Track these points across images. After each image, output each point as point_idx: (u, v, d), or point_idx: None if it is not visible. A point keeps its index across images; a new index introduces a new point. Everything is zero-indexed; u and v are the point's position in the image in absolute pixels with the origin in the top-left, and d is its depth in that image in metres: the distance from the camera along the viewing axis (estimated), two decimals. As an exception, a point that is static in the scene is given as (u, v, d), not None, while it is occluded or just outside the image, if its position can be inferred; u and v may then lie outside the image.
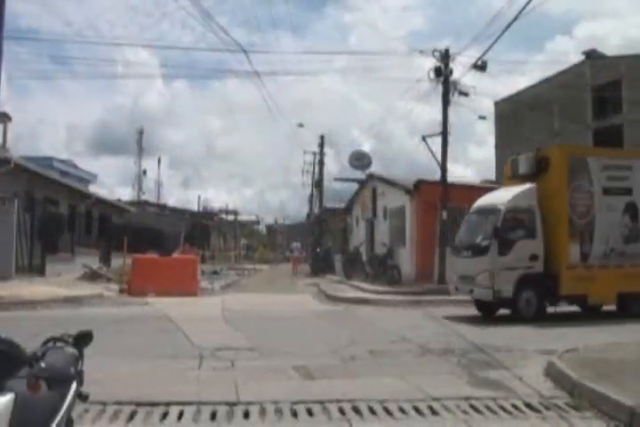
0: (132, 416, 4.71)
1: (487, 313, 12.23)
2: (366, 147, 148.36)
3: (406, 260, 19.28)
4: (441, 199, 17.93)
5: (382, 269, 19.61)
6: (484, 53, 17.41)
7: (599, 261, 11.75)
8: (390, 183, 21.72)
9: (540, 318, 11.20)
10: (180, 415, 4.73)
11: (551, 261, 11.54)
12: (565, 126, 33.85)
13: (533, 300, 11.45)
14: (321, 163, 35.47)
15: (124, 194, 63.16)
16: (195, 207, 60.34)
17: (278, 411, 4.87)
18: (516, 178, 12.66)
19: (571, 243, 11.59)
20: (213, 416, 4.72)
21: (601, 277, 11.54)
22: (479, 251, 11.68)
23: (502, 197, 12.25)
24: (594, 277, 11.53)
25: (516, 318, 11.41)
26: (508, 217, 11.64)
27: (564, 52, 78.02)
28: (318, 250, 31.66)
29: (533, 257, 11.52)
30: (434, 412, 4.90)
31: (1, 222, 16.84)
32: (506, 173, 13.50)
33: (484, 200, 12.85)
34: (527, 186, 11.99)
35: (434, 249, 18.12)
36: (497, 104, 38.23)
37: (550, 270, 11.52)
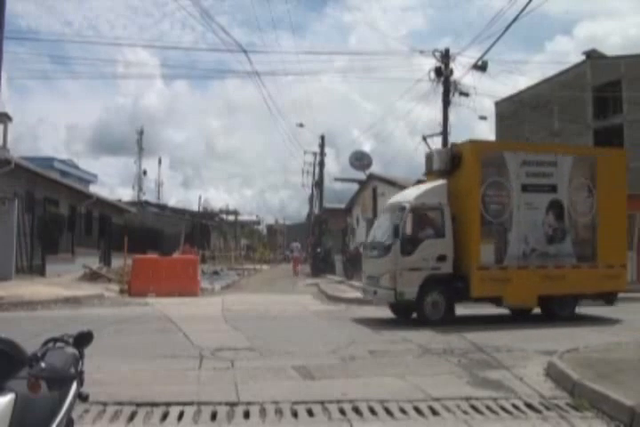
0: (132, 416, 4.71)
1: (403, 316, 11.54)
2: (366, 147, 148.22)
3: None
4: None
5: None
6: (485, 53, 17.46)
7: (517, 261, 11.02)
8: (391, 183, 21.75)
9: (447, 322, 10.57)
10: (181, 416, 4.73)
11: (461, 262, 10.91)
12: (565, 126, 33.86)
13: (441, 302, 10.79)
14: (321, 163, 35.49)
15: (125, 194, 63.38)
16: (195, 207, 60.47)
17: (278, 411, 4.87)
18: (432, 174, 12.13)
19: (483, 243, 10.90)
20: (214, 416, 4.72)
21: (518, 279, 10.87)
22: (383, 250, 11.11)
23: (411, 194, 11.75)
24: (509, 278, 10.87)
25: (514, 319, 11.41)
26: (414, 215, 11.14)
27: (565, 52, 78.12)
28: (319, 250, 31.66)
29: (441, 257, 10.87)
30: (434, 412, 4.90)
31: (1, 223, 16.85)
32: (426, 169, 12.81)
33: (395, 197, 12.39)
34: (437, 182, 11.51)
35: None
36: (497, 104, 38.23)
37: (460, 271, 10.88)
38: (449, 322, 10.55)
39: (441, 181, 11.47)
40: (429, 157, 12.12)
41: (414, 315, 11.14)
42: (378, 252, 11.42)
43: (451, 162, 11.44)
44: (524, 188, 11.21)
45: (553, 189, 11.46)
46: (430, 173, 12.28)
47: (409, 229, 11.05)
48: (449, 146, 11.76)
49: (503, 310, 11.91)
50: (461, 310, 11.55)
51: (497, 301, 11.16)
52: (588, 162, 11.91)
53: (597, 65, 33.63)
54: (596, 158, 12.00)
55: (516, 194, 11.15)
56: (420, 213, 11.22)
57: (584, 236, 11.74)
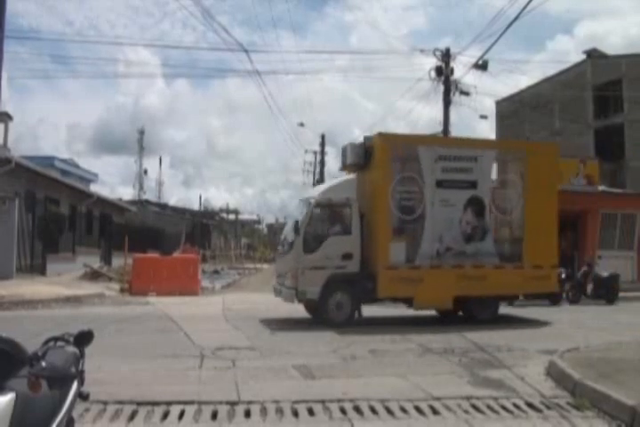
0: (132, 416, 4.71)
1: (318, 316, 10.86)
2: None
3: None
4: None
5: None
6: (485, 53, 17.49)
7: (430, 261, 10.49)
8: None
9: (353, 323, 10.23)
10: (181, 415, 4.73)
11: (369, 261, 10.46)
12: (566, 126, 33.83)
13: (346, 303, 10.32)
14: (322, 162, 35.55)
15: (125, 193, 63.32)
16: (196, 207, 60.49)
17: (279, 410, 4.86)
18: (347, 168, 11.65)
19: (393, 241, 10.40)
20: (214, 416, 4.72)
21: (431, 279, 10.34)
22: (288, 248, 10.79)
23: (320, 189, 11.34)
24: (421, 278, 10.35)
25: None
26: (319, 211, 10.74)
27: (565, 52, 78.04)
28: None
29: (347, 255, 10.40)
30: (435, 411, 4.90)
31: (2, 222, 16.85)
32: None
33: (308, 192, 12.03)
34: (346, 177, 11.11)
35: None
36: (498, 103, 38.21)
37: (368, 271, 10.42)
38: (356, 324, 10.17)
39: (350, 176, 11.06)
40: (344, 151, 11.46)
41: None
42: (284, 249, 11.16)
43: (364, 156, 10.91)
44: (440, 183, 10.65)
45: (472, 185, 10.84)
46: (345, 168, 11.78)
47: (313, 226, 10.62)
48: (362, 139, 11.19)
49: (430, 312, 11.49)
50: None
51: (409, 302, 10.74)
52: (514, 157, 11.48)
53: (598, 64, 33.59)
54: (523, 153, 11.48)
55: (430, 190, 10.60)
56: (325, 209, 10.83)
57: (509, 235, 11.32)
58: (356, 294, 10.40)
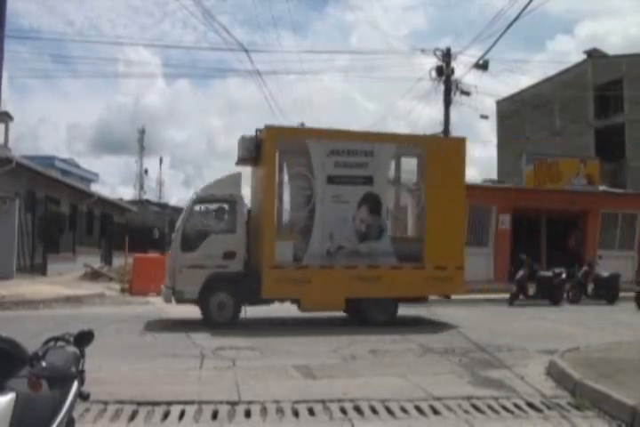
0: (133, 416, 4.71)
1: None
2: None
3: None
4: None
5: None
6: (486, 53, 17.49)
7: (319, 260, 9.96)
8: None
9: (237, 324, 9.88)
10: (182, 415, 4.72)
11: (254, 260, 10.08)
12: (567, 125, 33.83)
13: (229, 303, 9.89)
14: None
15: (126, 193, 63.35)
16: (196, 206, 60.22)
17: (280, 410, 4.87)
18: (240, 163, 11.09)
19: (279, 239, 9.96)
20: (215, 416, 4.72)
21: (320, 280, 9.84)
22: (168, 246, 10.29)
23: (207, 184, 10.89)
24: (309, 279, 9.84)
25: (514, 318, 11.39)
26: (200, 207, 10.35)
27: (566, 52, 77.85)
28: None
29: (229, 254, 9.98)
30: (435, 411, 4.90)
31: (2, 222, 16.85)
32: None
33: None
34: (232, 172, 10.66)
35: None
36: (498, 103, 38.20)
37: (253, 270, 10.03)
38: (240, 325, 9.87)
39: (236, 171, 10.69)
40: (238, 145, 10.90)
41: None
42: (171, 248, 10.70)
43: (255, 150, 10.42)
44: (332, 179, 10.10)
45: (368, 180, 10.25)
46: (239, 162, 11.18)
47: (193, 223, 10.24)
48: (255, 132, 10.61)
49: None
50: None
51: (298, 303, 10.23)
52: (414, 151, 10.98)
53: (598, 64, 33.59)
54: (425, 148, 10.86)
55: (321, 186, 10.06)
56: (207, 205, 10.40)
57: (408, 233, 10.94)
58: (240, 295, 9.95)
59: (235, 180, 10.49)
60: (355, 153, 10.25)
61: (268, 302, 10.31)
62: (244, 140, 10.60)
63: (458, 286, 10.76)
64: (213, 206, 10.44)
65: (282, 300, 10.39)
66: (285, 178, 10.31)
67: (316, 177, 10.11)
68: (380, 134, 11.43)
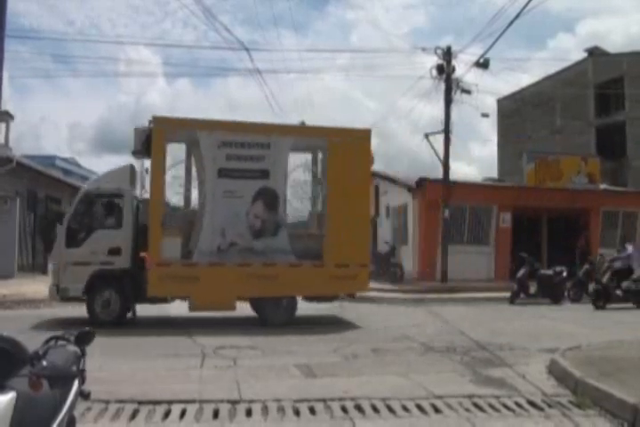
0: (134, 415, 4.71)
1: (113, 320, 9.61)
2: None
3: (409, 258, 19.28)
4: (443, 197, 17.92)
5: (385, 267, 19.60)
6: (487, 51, 17.49)
7: (209, 257, 9.58)
8: (393, 181, 21.69)
9: (124, 323, 9.60)
10: (183, 414, 4.72)
11: (140, 258, 9.71)
12: (568, 124, 33.80)
13: (115, 301, 9.54)
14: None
15: (127, 192, 62.98)
16: (197, 206, 60.26)
17: (281, 409, 4.86)
18: (135, 155, 10.51)
19: (167, 235, 9.52)
20: (216, 415, 4.72)
21: (210, 278, 9.44)
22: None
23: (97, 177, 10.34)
24: (198, 276, 9.45)
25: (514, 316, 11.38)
26: (86, 202, 9.88)
27: (567, 50, 77.69)
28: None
29: (114, 251, 9.60)
30: (437, 410, 4.89)
31: (3, 221, 16.87)
32: None
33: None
34: (122, 165, 10.23)
35: (437, 247, 18.12)
36: (499, 102, 38.17)
37: (141, 267, 9.63)
38: (130, 324, 9.63)
39: (126, 164, 10.25)
40: (133, 136, 10.37)
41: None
42: None
43: (147, 142, 9.85)
44: (223, 173, 9.71)
45: (264, 174, 9.84)
46: (134, 155, 10.55)
47: (79, 218, 9.86)
48: (148, 123, 10.02)
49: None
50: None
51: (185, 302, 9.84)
52: (314, 144, 10.57)
53: (599, 62, 33.53)
54: (326, 140, 10.32)
55: (212, 180, 9.69)
56: (93, 200, 9.92)
57: (308, 230, 10.56)
58: (127, 293, 9.61)
59: (123, 173, 10.03)
60: (249, 146, 9.86)
61: (156, 300, 9.88)
62: (137, 132, 10.11)
63: (362, 284, 10.37)
64: (101, 201, 9.97)
65: (169, 299, 9.98)
66: (175, 171, 9.93)
67: (207, 170, 9.73)
68: (276, 126, 10.78)
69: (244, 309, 10.13)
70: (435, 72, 18.55)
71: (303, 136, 10.55)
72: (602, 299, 13.08)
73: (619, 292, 13.14)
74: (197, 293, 9.50)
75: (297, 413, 4.80)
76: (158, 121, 9.85)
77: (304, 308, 10.48)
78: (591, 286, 13.67)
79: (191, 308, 9.80)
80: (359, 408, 4.90)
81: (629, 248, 14.24)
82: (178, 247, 9.57)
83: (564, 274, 14.82)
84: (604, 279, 13.20)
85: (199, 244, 9.61)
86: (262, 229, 9.84)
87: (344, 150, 10.17)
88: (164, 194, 9.82)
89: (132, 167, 10.23)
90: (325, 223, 10.21)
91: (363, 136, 10.59)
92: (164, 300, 10.01)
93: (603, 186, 22.53)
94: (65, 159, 36.67)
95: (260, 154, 9.87)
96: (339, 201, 10.07)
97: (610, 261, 14.02)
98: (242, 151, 9.82)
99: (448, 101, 18.58)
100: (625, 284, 13.21)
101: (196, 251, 9.60)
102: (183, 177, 10.16)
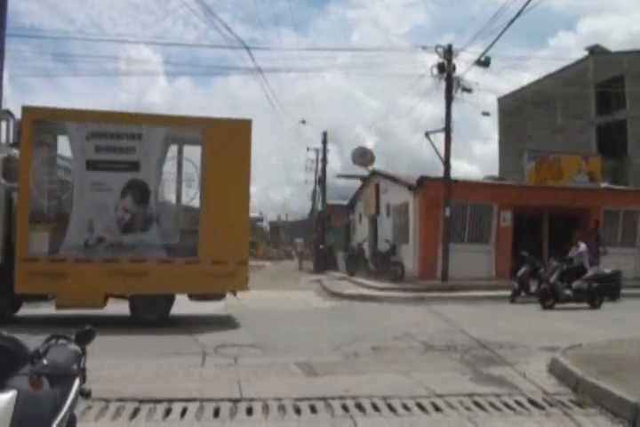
0: (134, 413, 4.71)
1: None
2: (369, 143, 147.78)
3: (409, 256, 19.28)
4: (444, 196, 17.91)
5: (385, 266, 19.61)
6: (488, 49, 17.40)
7: (77, 252, 9.28)
8: (393, 180, 21.70)
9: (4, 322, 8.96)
10: (184, 412, 4.73)
11: (12, 252, 9.32)
12: (568, 122, 33.78)
13: None
14: (324, 159, 35.40)
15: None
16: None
17: (281, 408, 4.87)
18: (14, 147, 10.09)
19: (35, 229, 9.21)
20: (216, 413, 4.72)
21: (78, 274, 9.15)
22: None
23: None
24: (66, 273, 9.15)
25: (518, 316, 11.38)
26: None
27: (568, 48, 77.72)
28: (321, 247, 31.65)
29: None
30: (437, 408, 4.89)
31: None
32: None
33: None
34: None
35: (437, 246, 18.11)
36: (500, 100, 38.15)
37: (11, 263, 9.24)
38: (14, 323, 9.18)
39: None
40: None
41: None
42: None
43: (19, 133, 9.52)
44: (92, 164, 9.40)
45: (134, 166, 9.55)
46: (13, 146, 10.13)
47: None
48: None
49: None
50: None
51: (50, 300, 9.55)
52: (189, 135, 10.25)
53: (600, 61, 33.50)
54: (201, 131, 10.01)
55: (80, 172, 9.40)
56: None
57: (181, 225, 10.34)
58: (2, 290, 9.23)
59: None
60: (120, 136, 9.57)
61: (26, 297, 9.61)
62: (15, 123, 9.79)
63: (241, 282, 9.99)
64: None
65: (50, 296, 9.71)
66: (42, 163, 9.60)
67: (75, 162, 9.45)
68: (148, 116, 10.50)
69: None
70: (435, 70, 18.52)
71: (176, 126, 10.18)
72: (550, 298, 12.82)
73: (568, 292, 12.92)
74: (65, 290, 9.21)
75: (298, 411, 4.80)
76: (27, 110, 9.46)
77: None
78: (540, 286, 13.40)
79: (58, 305, 9.47)
80: (360, 407, 4.90)
81: (582, 246, 13.98)
82: (46, 242, 9.27)
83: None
84: (552, 279, 12.96)
85: (66, 238, 9.31)
86: (132, 224, 9.55)
87: (222, 142, 9.84)
88: (31, 187, 9.39)
89: (3, 159, 9.77)
90: (199, 218, 9.93)
91: (242, 127, 10.20)
92: (44, 297, 9.76)
93: (604, 185, 22.50)
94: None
95: (131, 145, 9.59)
96: (215, 195, 9.76)
97: (562, 260, 13.73)
98: (111, 142, 9.53)
99: (449, 100, 18.56)
100: (576, 283, 13.02)
101: (63, 246, 9.31)
102: (51, 169, 9.83)
